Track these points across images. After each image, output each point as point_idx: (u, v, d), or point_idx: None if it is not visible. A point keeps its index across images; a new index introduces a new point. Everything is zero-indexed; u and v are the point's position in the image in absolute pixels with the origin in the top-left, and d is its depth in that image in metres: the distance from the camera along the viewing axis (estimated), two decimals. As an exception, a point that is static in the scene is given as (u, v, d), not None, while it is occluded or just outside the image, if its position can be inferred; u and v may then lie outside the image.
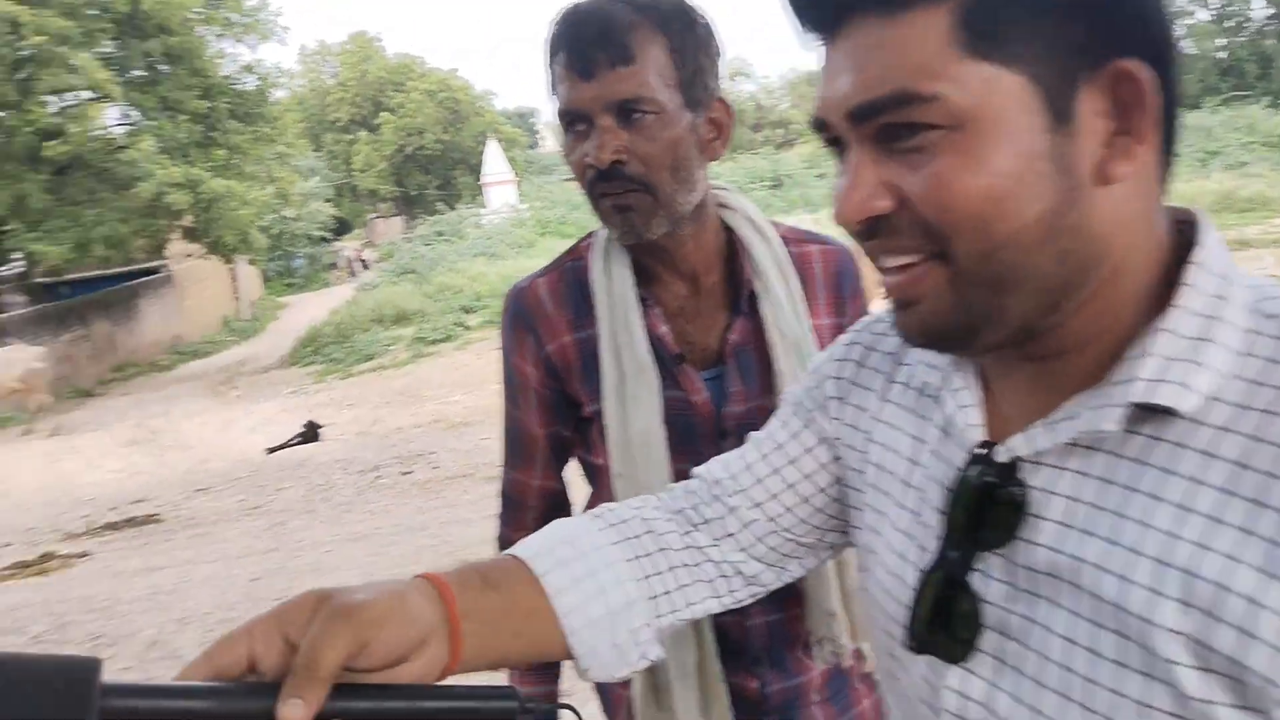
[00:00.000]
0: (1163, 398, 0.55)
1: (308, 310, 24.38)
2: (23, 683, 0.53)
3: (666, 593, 0.77)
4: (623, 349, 1.20)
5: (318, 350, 16.93)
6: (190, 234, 18.77)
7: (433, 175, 41.96)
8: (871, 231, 0.59)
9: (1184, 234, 0.60)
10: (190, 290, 24.15)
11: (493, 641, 0.69)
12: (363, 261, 34.55)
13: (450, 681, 0.65)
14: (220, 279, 26.37)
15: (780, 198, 20.16)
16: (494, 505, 1.38)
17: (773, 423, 0.85)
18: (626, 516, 0.80)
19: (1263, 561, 0.51)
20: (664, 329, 1.21)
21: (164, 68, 17.82)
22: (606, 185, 1.12)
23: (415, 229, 32.19)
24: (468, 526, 5.60)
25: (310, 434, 10.02)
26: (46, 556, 6.83)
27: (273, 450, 9.74)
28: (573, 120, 1.13)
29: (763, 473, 0.80)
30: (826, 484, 0.80)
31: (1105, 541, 0.57)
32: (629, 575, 0.75)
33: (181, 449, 11.05)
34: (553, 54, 1.12)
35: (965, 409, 0.66)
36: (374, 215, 44.78)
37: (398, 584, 0.65)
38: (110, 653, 4.56)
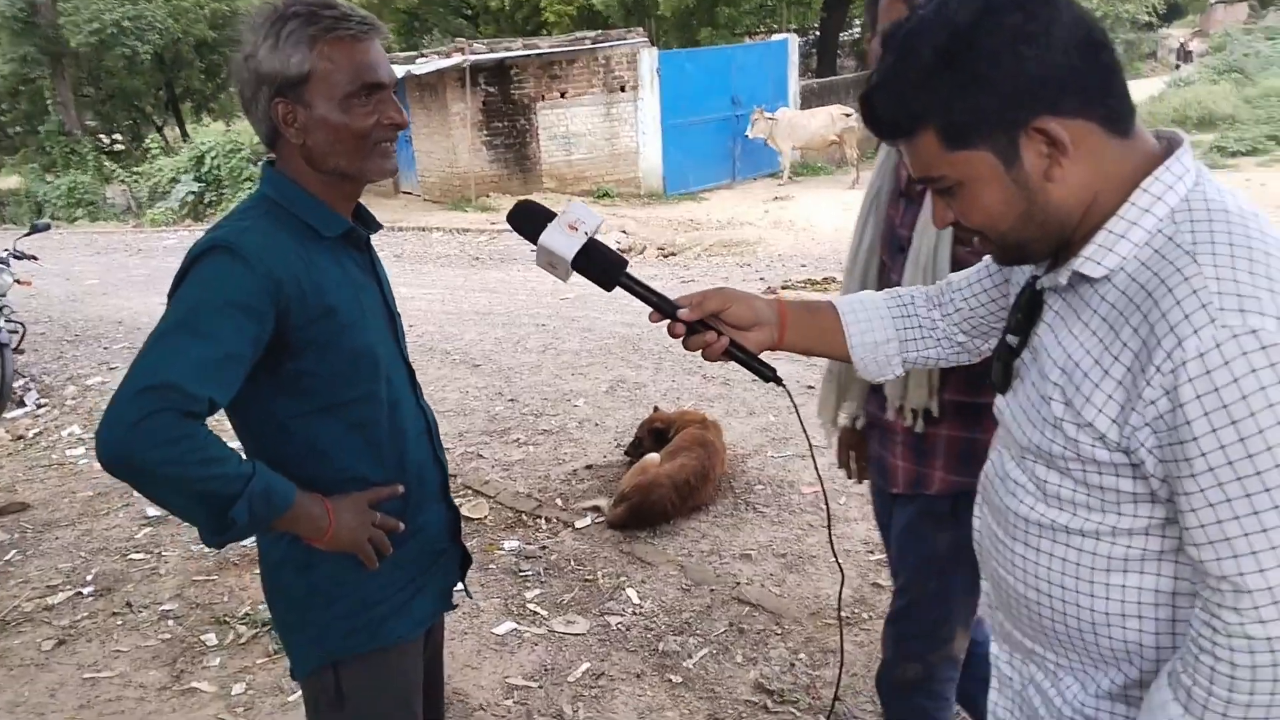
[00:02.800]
0: (1083, 268, 1.01)
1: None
2: (603, 257, 1.25)
3: (911, 340, 1.36)
4: None
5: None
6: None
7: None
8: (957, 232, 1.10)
9: (1171, 152, 0.98)
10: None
11: (802, 339, 1.34)
12: (1188, 53, 30.81)
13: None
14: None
15: None
16: None
17: None
18: (903, 294, 1.38)
19: (1099, 356, 0.98)
20: None
21: None
22: None
23: (1264, 18, 27.44)
24: None
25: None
26: (828, 280, 8.53)
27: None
28: None
29: (971, 278, 1.33)
30: (999, 296, 1.29)
31: (1053, 334, 1.07)
32: (892, 326, 1.35)
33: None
34: None
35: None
36: (1216, 0, 38.85)
37: (760, 296, 1.31)
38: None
